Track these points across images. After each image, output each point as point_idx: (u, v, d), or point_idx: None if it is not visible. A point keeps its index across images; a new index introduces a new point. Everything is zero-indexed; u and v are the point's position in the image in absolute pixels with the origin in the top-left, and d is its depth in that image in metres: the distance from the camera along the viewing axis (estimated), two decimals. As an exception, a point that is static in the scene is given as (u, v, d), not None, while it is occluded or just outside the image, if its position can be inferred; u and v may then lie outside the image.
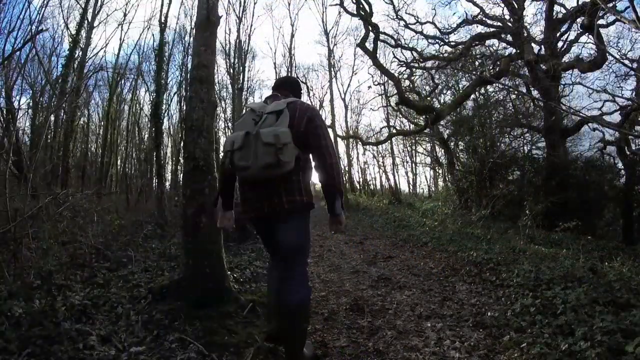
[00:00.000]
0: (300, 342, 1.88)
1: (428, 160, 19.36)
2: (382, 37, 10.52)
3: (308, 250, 1.98)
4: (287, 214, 1.78)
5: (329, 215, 1.88)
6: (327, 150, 1.79)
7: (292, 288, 1.79)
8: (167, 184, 14.30)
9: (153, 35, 17.72)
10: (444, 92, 13.52)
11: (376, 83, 16.53)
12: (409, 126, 16.71)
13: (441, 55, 11.91)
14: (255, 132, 1.69)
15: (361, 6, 8.91)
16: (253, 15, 26.63)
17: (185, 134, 3.62)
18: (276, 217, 1.80)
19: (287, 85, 2.12)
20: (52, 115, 9.71)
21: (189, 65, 5.70)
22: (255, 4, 22.62)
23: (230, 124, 17.03)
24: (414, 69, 12.86)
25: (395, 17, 11.87)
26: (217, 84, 16.21)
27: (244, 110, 2.36)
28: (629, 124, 9.90)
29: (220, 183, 2.11)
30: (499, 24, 11.01)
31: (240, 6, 16.86)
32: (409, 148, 21.65)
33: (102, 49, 13.96)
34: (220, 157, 2.91)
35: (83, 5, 11.40)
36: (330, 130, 20.04)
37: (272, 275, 2.06)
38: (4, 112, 6.15)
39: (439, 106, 10.83)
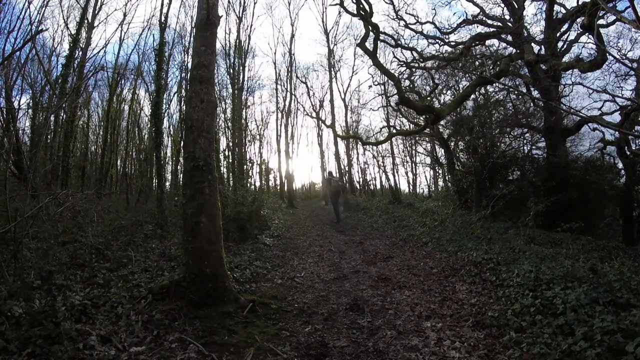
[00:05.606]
0: (340, 217, 11.40)
1: (428, 160, 19.36)
2: (382, 37, 10.50)
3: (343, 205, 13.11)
4: (339, 196, 11.70)
5: (344, 196, 12.96)
6: (345, 187, 14.87)
7: (344, 209, 12.53)
8: (167, 184, 14.31)
9: (153, 35, 17.68)
10: (444, 92, 13.50)
11: (376, 83, 16.52)
12: (409, 126, 16.68)
13: (441, 55, 11.89)
14: (338, 183, 12.23)
15: (361, 6, 8.89)
16: (253, 15, 26.58)
17: (185, 134, 3.62)
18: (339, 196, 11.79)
19: (334, 174, 14.46)
20: (52, 115, 9.70)
21: (189, 65, 5.70)
22: (255, 4, 22.55)
23: (230, 124, 17.02)
24: (414, 69, 12.84)
25: (395, 17, 11.88)
26: (217, 84, 16.18)
27: (326, 177, 13.84)
28: (629, 124, 9.89)
29: (324, 191, 16.52)
30: (499, 24, 11.00)
31: (240, 6, 16.90)
32: (409, 148, 21.62)
33: (102, 49, 13.89)
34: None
35: (83, 5, 11.40)
36: (330, 131, 20.53)
37: (337, 207, 11.40)
38: (4, 112, 6.14)
39: (439, 106, 10.81)
